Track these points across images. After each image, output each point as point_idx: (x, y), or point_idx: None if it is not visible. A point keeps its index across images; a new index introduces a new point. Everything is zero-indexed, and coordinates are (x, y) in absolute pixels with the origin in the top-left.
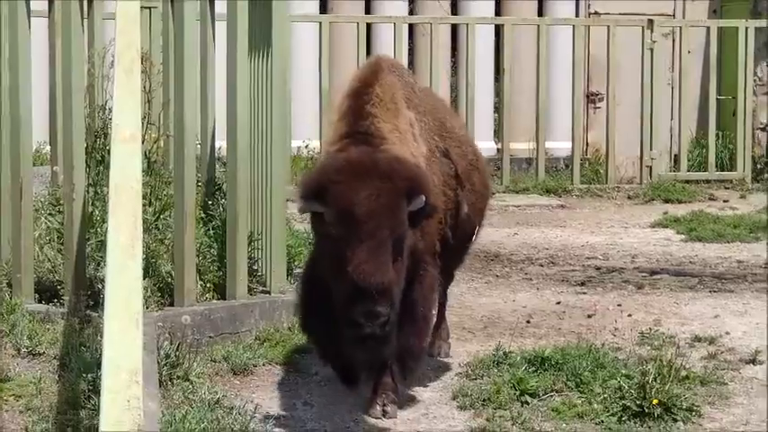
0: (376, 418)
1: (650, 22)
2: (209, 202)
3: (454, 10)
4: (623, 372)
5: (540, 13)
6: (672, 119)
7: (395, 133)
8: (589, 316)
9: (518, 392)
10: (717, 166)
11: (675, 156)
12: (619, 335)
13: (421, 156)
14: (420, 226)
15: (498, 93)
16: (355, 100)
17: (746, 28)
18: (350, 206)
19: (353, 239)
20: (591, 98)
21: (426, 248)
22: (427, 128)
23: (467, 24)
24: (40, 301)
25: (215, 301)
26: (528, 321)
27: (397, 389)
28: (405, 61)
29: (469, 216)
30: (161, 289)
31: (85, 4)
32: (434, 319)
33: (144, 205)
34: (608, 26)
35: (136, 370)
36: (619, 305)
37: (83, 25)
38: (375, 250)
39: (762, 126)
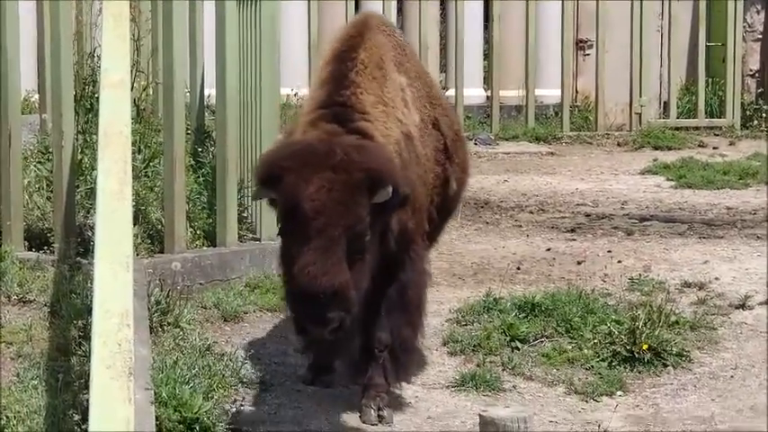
0: (372, 424)
1: None
2: (199, 150)
3: None
4: (613, 317)
5: None
6: (661, 66)
7: (378, 107)
8: (579, 262)
9: (508, 338)
10: (706, 113)
11: (665, 103)
12: (609, 281)
13: (413, 125)
14: (394, 214)
15: (488, 40)
16: (338, 65)
17: None
18: (297, 199)
19: (301, 237)
20: (580, 45)
21: (416, 229)
22: (419, 95)
23: None
24: (29, 249)
25: (205, 248)
26: (518, 268)
27: (391, 389)
28: (394, 7)
29: (457, 193)
30: (151, 236)
31: None
32: (426, 305)
33: (133, 153)
34: None
35: (126, 313)
36: (609, 251)
37: None
38: (324, 251)
39: (751, 73)
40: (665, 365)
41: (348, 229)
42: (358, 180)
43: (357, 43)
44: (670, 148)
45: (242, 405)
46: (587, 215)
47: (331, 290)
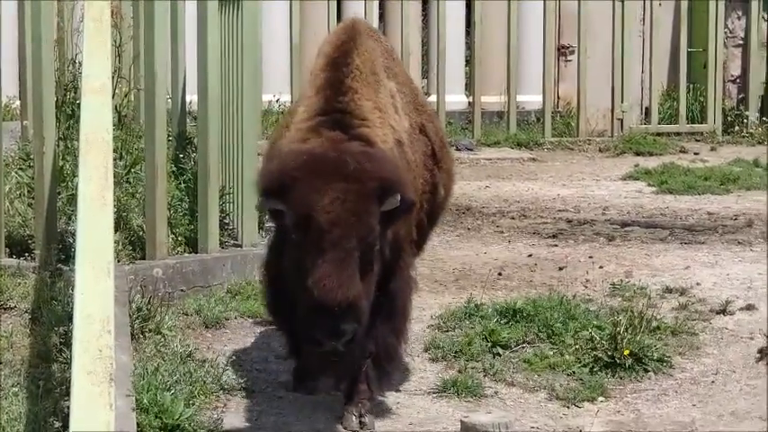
0: (353, 431)
1: None
2: (181, 156)
3: None
4: (595, 323)
5: None
6: (643, 71)
7: (375, 113)
8: (560, 268)
9: (490, 344)
10: (688, 119)
11: (646, 108)
12: (590, 286)
13: (403, 131)
14: (396, 223)
15: (469, 46)
16: (333, 72)
17: None
18: (312, 211)
19: (315, 249)
20: (562, 51)
21: (405, 237)
22: (406, 100)
23: None
24: (10, 256)
25: (186, 255)
26: (499, 274)
27: (374, 396)
28: (376, 12)
29: (444, 199)
30: (132, 242)
31: None
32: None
33: (115, 159)
34: None
35: (107, 319)
36: (590, 257)
37: None
38: (339, 262)
39: (732, 78)
40: (647, 371)
41: (362, 241)
42: (370, 189)
43: (350, 49)
44: (651, 154)
45: (223, 411)
46: (569, 221)
47: (346, 302)
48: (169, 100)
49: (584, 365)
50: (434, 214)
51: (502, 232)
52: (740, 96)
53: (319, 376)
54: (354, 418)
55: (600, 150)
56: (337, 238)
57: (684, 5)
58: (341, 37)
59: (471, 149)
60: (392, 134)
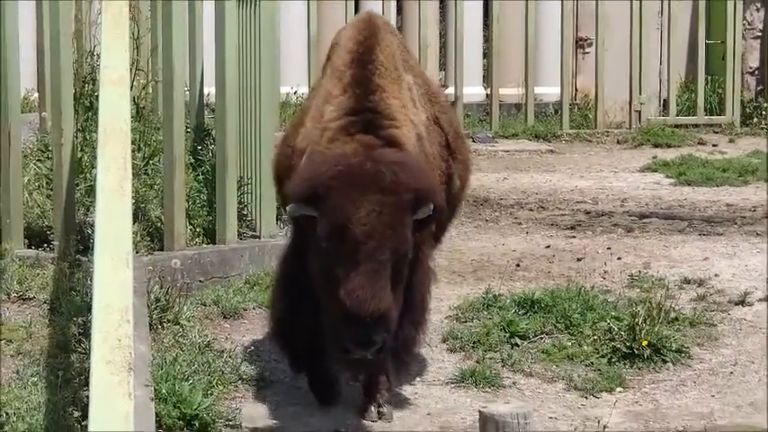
0: (372, 421)
1: None
2: (199, 148)
3: None
4: (613, 314)
5: None
6: (661, 63)
7: (402, 112)
8: (579, 259)
9: (508, 335)
10: (706, 111)
11: (664, 100)
12: (608, 278)
13: (421, 124)
14: (426, 228)
15: (487, 38)
16: (360, 69)
17: None
18: (347, 222)
19: (349, 260)
20: (580, 43)
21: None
22: (421, 92)
23: None
24: (29, 247)
25: (205, 246)
26: (518, 265)
27: (392, 387)
28: (393, 6)
29: (460, 190)
30: (151, 234)
31: None
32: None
33: (133, 151)
34: None
35: (126, 309)
36: (608, 248)
37: None
38: (373, 274)
39: (751, 70)
40: (665, 362)
41: (395, 252)
42: (406, 201)
43: (373, 45)
44: (669, 146)
45: (242, 402)
46: (587, 212)
47: (377, 314)
48: (187, 92)
49: (603, 356)
50: (451, 205)
51: (520, 224)
52: (758, 88)
53: (346, 376)
54: (373, 408)
55: (618, 142)
56: (372, 249)
57: None
58: (362, 32)
59: (488, 142)
60: (414, 130)
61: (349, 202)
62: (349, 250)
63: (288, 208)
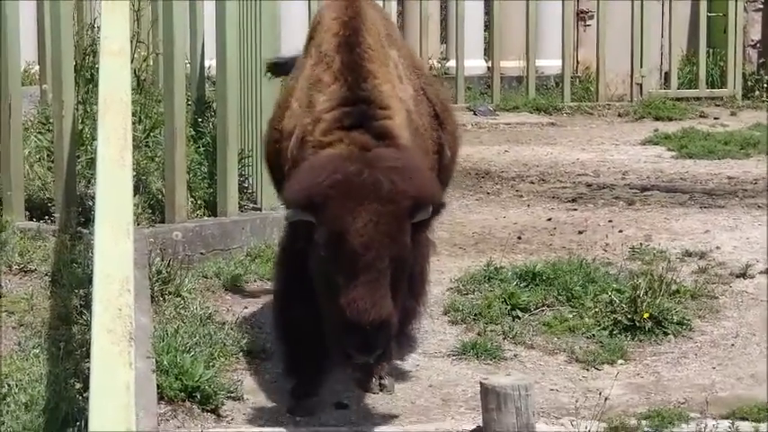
0: (373, 393)
1: None
2: (200, 120)
3: None
4: (614, 286)
5: None
6: (662, 36)
7: (393, 97)
8: (580, 232)
9: (509, 307)
10: (707, 84)
11: (666, 73)
12: (610, 250)
13: (409, 98)
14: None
15: (488, 11)
16: (349, 54)
17: None
18: (345, 233)
19: (348, 269)
20: (581, 16)
21: None
22: (406, 64)
23: None
24: (30, 219)
25: (206, 218)
26: (519, 237)
27: (393, 359)
28: None
29: (451, 160)
30: (152, 206)
31: None
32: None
33: (134, 123)
34: None
35: (127, 279)
36: (610, 221)
37: None
38: (373, 284)
39: (752, 43)
40: (666, 334)
41: (394, 260)
42: (404, 209)
43: (358, 26)
44: (671, 119)
45: (243, 374)
46: (588, 185)
47: (378, 321)
48: (188, 64)
49: (604, 328)
50: (443, 176)
51: (521, 196)
52: (760, 61)
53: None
54: (374, 380)
55: (619, 115)
56: (371, 260)
57: None
58: (346, 12)
59: (490, 114)
60: (403, 107)
61: (347, 212)
62: (348, 260)
63: (285, 213)
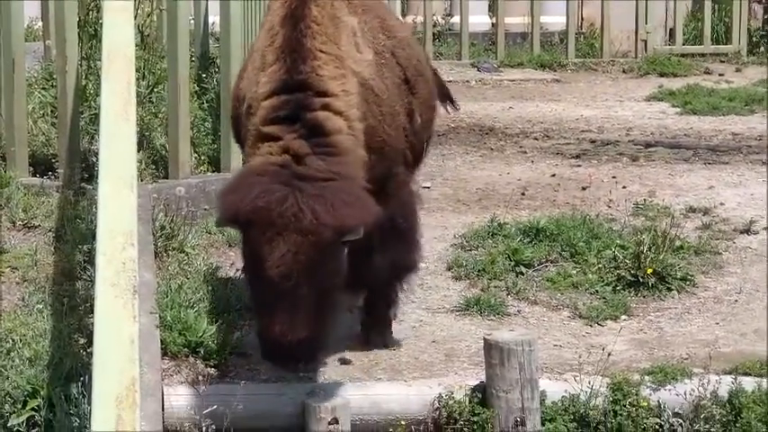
0: (378, 349)
1: None
2: (203, 76)
3: None
4: (618, 242)
5: None
6: None
7: (337, 80)
8: (584, 188)
9: (513, 263)
10: (712, 40)
11: (670, 29)
12: (613, 206)
13: (366, 66)
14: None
15: None
16: (291, 30)
17: None
18: (264, 260)
19: (266, 291)
20: None
21: (395, 158)
22: (369, 27)
23: None
24: (34, 175)
25: (210, 174)
26: (523, 193)
27: (396, 313)
28: None
29: (423, 127)
30: (155, 162)
31: None
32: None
33: (137, 79)
34: None
35: (131, 233)
36: (614, 177)
37: None
38: (290, 309)
39: None
40: (670, 290)
41: (317, 285)
42: (326, 239)
43: None
44: (675, 75)
45: (247, 329)
46: (592, 141)
47: (297, 342)
48: (192, 20)
49: (608, 284)
50: (418, 138)
51: (525, 153)
52: (765, 17)
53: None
54: (378, 336)
55: (623, 71)
56: (288, 289)
57: None
58: None
59: (494, 71)
60: (355, 79)
61: (266, 240)
62: (266, 284)
63: (215, 220)
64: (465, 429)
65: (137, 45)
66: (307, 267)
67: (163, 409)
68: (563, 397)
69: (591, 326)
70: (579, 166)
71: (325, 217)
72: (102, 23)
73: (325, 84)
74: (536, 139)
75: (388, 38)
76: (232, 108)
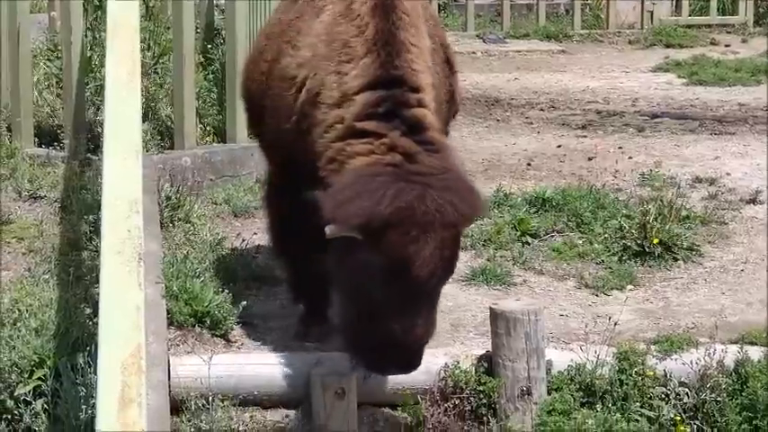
0: None
1: None
2: (209, 47)
3: None
4: (624, 212)
5: None
6: None
7: (425, 74)
8: (590, 158)
9: (519, 233)
10: (718, 11)
11: (677, 0)
12: (619, 176)
13: (429, 56)
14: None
15: None
16: (383, 21)
17: None
18: (410, 262)
19: (407, 295)
20: None
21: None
22: (423, 10)
23: None
24: (39, 146)
25: (215, 145)
26: (529, 164)
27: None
28: None
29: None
30: (161, 132)
31: None
32: None
33: (142, 50)
34: None
35: (136, 200)
36: (620, 148)
37: None
38: (430, 308)
39: None
40: (676, 259)
41: (448, 278)
42: (463, 230)
43: None
44: (682, 46)
45: (253, 299)
46: (598, 112)
47: (426, 342)
48: None
49: (614, 254)
50: (451, 113)
51: (531, 123)
52: None
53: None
54: None
55: (629, 42)
56: (433, 286)
57: None
58: None
59: (500, 42)
60: (430, 74)
61: (411, 241)
62: (409, 287)
63: (328, 229)
64: (471, 399)
65: (142, 16)
66: (450, 262)
67: (169, 379)
68: (569, 366)
69: (597, 296)
70: (585, 136)
71: (462, 207)
72: None
73: (418, 79)
74: (542, 109)
75: (427, 18)
76: (249, 79)
